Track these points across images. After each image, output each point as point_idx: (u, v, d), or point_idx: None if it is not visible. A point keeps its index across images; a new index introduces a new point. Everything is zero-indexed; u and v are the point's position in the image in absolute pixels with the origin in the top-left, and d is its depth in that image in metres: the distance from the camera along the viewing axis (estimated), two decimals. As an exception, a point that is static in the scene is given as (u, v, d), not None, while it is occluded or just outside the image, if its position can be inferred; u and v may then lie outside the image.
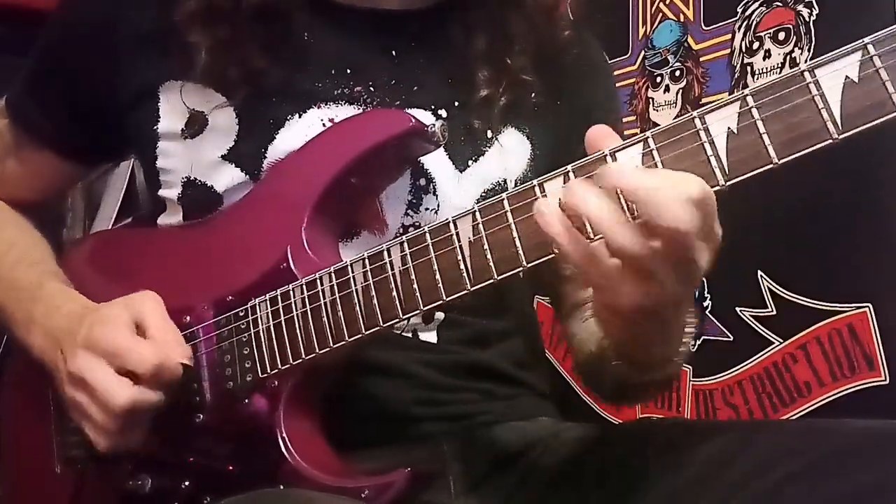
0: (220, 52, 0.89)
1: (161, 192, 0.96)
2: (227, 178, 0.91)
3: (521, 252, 0.70)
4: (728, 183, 0.63)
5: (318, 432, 0.85)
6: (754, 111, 0.62)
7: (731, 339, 1.43)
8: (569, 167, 0.68)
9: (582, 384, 1.18)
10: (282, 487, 0.81)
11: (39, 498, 1.03)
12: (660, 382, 0.85)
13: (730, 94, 1.44)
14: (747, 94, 0.62)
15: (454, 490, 0.91)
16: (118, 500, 0.91)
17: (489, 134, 0.95)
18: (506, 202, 0.71)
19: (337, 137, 0.88)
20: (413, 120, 0.84)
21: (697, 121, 0.64)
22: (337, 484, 0.80)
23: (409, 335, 0.93)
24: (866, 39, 0.60)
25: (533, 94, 0.96)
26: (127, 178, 2.12)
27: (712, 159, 0.63)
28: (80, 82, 0.99)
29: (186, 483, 0.87)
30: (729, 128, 0.63)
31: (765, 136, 0.62)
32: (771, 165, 0.62)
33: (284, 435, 0.82)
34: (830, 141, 0.60)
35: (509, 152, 0.96)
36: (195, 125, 0.93)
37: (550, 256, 0.69)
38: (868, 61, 0.59)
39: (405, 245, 0.76)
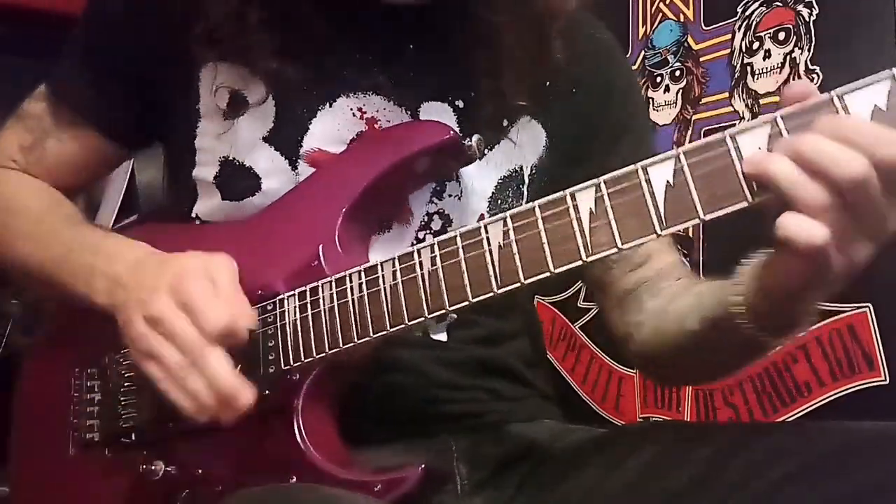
0: (248, 33, 0.90)
1: (196, 173, 0.97)
2: (266, 160, 0.93)
3: (548, 258, 0.72)
4: (756, 200, 0.65)
5: (333, 427, 0.87)
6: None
7: (731, 339, 1.43)
8: (601, 179, 0.70)
9: (650, 371, 1.13)
10: (294, 480, 0.82)
11: (51, 480, 1.04)
12: (770, 347, 0.81)
13: (729, 95, 1.46)
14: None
15: (461, 490, 0.92)
16: (130, 484, 0.92)
17: (505, 122, 0.96)
18: (537, 209, 0.73)
19: (376, 145, 0.91)
20: (452, 132, 0.87)
21: (729, 140, 0.66)
22: (349, 478, 0.81)
23: (420, 333, 0.95)
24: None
25: (548, 83, 0.98)
26: (127, 178, 2.12)
27: (741, 176, 0.65)
28: (123, 61, 1.00)
29: (200, 470, 0.88)
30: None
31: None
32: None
33: (301, 427, 0.83)
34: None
35: (525, 140, 0.98)
36: (236, 106, 0.94)
37: (578, 263, 0.71)
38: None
39: (435, 247, 0.78)
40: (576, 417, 1.06)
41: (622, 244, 0.69)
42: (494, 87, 0.94)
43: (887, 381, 1.21)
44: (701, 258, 1.50)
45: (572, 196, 0.71)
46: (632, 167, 0.69)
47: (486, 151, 0.95)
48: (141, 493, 0.92)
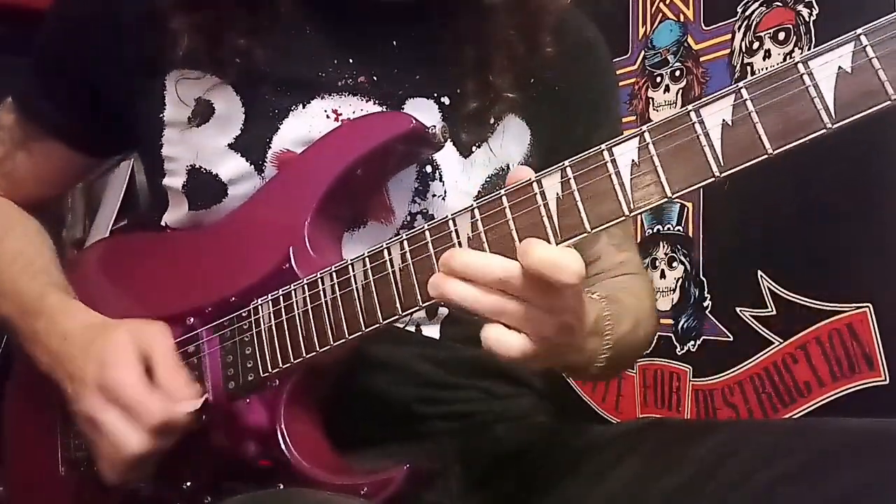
0: (207, 36, 0.89)
1: (165, 182, 0.96)
2: (231, 167, 0.92)
3: (518, 246, 0.70)
4: (723, 174, 0.64)
5: (318, 430, 0.86)
6: (748, 103, 0.63)
7: (731, 339, 1.43)
8: (566, 163, 0.69)
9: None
10: (281, 487, 0.82)
11: (43, 499, 1.03)
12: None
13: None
14: (741, 87, 0.63)
15: (454, 490, 0.91)
16: (120, 501, 0.91)
17: (491, 120, 0.96)
18: (504, 198, 0.71)
19: (338, 140, 0.89)
20: (413, 121, 0.85)
21: (692, 114, 0.65)
22: (336, 482, 0.80)
23: (413, 329, 0.94)
24: (859, 31, 0.61)
25: (532, 80, 0.97)
26: (127, 178, 2.12)
27: (707, 150, 0.64)
28: (85, 71, 0.99)
29: (188, 484, 0.88)
30: (724, 119, 0.64)
31: (759, 127, 0.63)
32: (765, 156, 0.63)
33: (285, 433, 0.82)
34: (824, 130, 0.61)
35: (510, 138, 0.98)
36: (201, 113, 0.93)
37: None
38: (861, 52, 0.60)
39: (405, 243, 0.76)
40: (576, 417, 1.06)
41: (591, 228, 0.68)
42: (480, 83, 0.93)
43: (887, 381, 1.21)
44: (701, 258, 1.50)
45: (538, 182, 0.70)
46: (597, 148, 0.68)
47: (474, 149, 0.94)
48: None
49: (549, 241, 0.69)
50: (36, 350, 0.93)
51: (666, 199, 0.66)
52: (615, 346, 0.85)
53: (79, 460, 0.96)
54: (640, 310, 0.96)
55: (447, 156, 0.94)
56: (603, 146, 0.68)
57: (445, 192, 0.94)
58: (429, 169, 0.93)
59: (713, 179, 0.64)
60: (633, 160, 0.66)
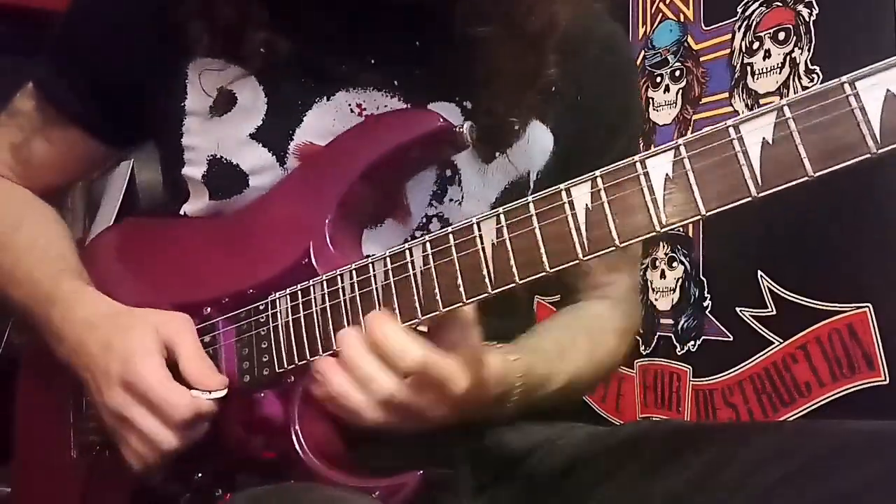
0: (231, 27, 0.89)
1: (185, 171, 0.95)
2: (253, 157, 0.91)
3: (544, 257, 0.69)
4: (761, 195, 0.62)
5: (332, 430, 0.85)
6: (791, 122, 0.61)
7: (731, 339, 1.43)
8: (597, 172, 0.68)
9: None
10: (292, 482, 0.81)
11: (54, 483, 1.03)
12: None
13: (730, 95, 1.46)
14: (784, 105, 0.61)
15: (462, 493, 0.91)
16: (131, 488, 0.91)
17: (515, 126, 0.94)
18: (531, 206, 0.70)
19: (364, 135, 0.88)
20: (441, 120, 0.84)
21: (731, 130, 0.63)
22: (348, 483, 0.80)
23: (425, 330, 0.93)
24: None
25: (554, 87, 0.95)
26: (127, 178, 2.12)
27: (745, 169, 0.62)
28: (108, 59, 0.99)
29: (199, 475, 0.88)
30: (764, 138, 0.62)
31: (800, 148, 0.61)
32: (806, 178, 0.61)
33: (298, 431, 0.82)
34: (869, 155, 0.59)
35: (533, 145, 0.96)
36: (223, 103, 0.92)
37: (574, 262, 0.69)
38: None
39: (427, 245, 0.75)
40: (576, 418, 1.06)
41: (620, 242, 0.66)
42: (504, 90, 0.91)
43: (887, 381, 1.21)
44: (701, 258, 1.50)
45: (567, 191, 0.69)
46: (629, 159, 0.66)
47: (497, 155, 0.93)
48: (142, 497, 0.91)
49: (575, 254, 0.68)
50: (51, 338, 0.92)
51: (699, 217, 0.64)
52: (533, 394, 0.86)
53: (91, 444, 0.96)
54: (591, 354, 0.97)
55: (468, 161, 0.93)
56: (636, 157, 0.66)
57: (463, 197, 0.93)
58: (448, 173, 0.92)
59: (750, 199, 0.62)
60: (666, 174, 0.65)
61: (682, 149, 0.64)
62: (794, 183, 0.61)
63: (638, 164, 0.66)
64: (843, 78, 0.59)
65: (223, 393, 0.83)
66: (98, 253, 1.03)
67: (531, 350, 0.89)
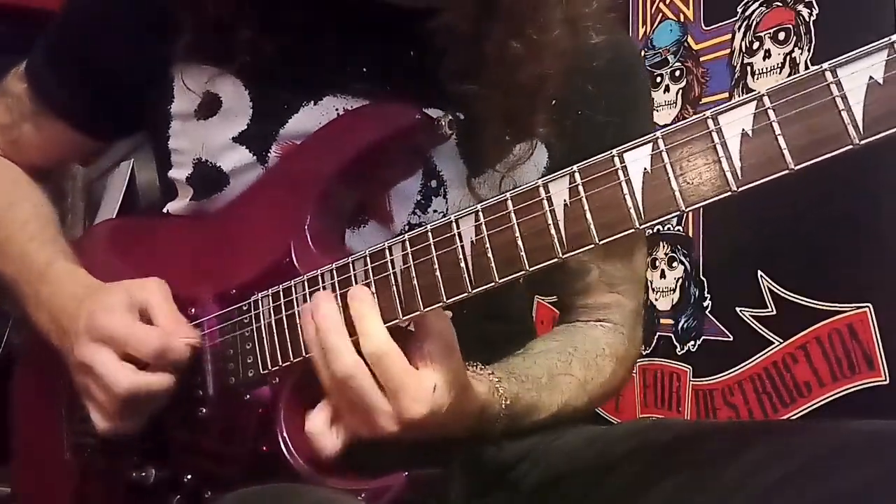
0: (217, 30, 0.89)
1: (171, 173, 0.96)
2: (234, 158, 0.91)
3: (523, 255, 0.68)
4: (740, 189, 0.60)
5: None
6: (770, 112, 0.59)
7: (731, 339, 1.43)
8: (574, 167, 0.67)
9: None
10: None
11: (50, 484, 1.03)
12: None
13: (730, 95, 1.46)
14: (763, 95, 0.59)
15: (457, 494, 0.91)
16: (123, 490, 0.92)
17: (507, 139, 0.92)
18: (509, 202, 0.69)
19: (342, 130, 0.87)
20: (419, 114, 0.83)
21: (710, 121, 0.61)
22: (335, 484, 0.79)
23: (413, 329, 0.93)
24: (894, 37, 0.56)
25: (553, 102, 0.93)
26: (127, 178, 2.12)
27: (724, 162, 0.61)
28: (97, 58, 0.99)
29: (189, 476, 0.88)
30: (743, 129, 0.60)
31: (780, 139, 0.59)
32: (786, 171, 0.59)
33: (284, 433, 0.81)
34: (851, 146, 0.57)
35: (526, 160, 0.94)
36: (209, 106, 0.93)
37: (554, 261, 0.67)
38: (895, 62, 0.55)
39: (407, 244, 0.74)
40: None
41: (600, 239, 0.65)
42: (499, 103, 0.89)
43: (887, 381, 1.21)
44: (701, 258, 1.50)
45: (545, 187, 0.67)
46: (608, 153, 0.65)
47: (485, 170, 0.91)
48: (133, 498, 0.91)
49: (554, 253, 0.67)
50: (39, 315, 0.93)
51: (679, 213, 0.62)
52: (519, 422, 0.86)
53: (83, 446, 0.96)
54: (584, 383, 0.95)
55: (455, 173, 0.92)
56: (614, 151, 0.65)
57: (447, 210, 0.92)
58: (434, 184, 0.92)
59: (730, 194, 0.60)
60: (645, 168, 0.63)
61: (661, 142, 0.63)
62: (775, 176, 0.59)
63: (616, 158, 0.64)
64: (825, 65, 0.57)
65: (195, 341, 0.83)
66: (83, 252, 1.03)
67: (519, 379, 0.88)
